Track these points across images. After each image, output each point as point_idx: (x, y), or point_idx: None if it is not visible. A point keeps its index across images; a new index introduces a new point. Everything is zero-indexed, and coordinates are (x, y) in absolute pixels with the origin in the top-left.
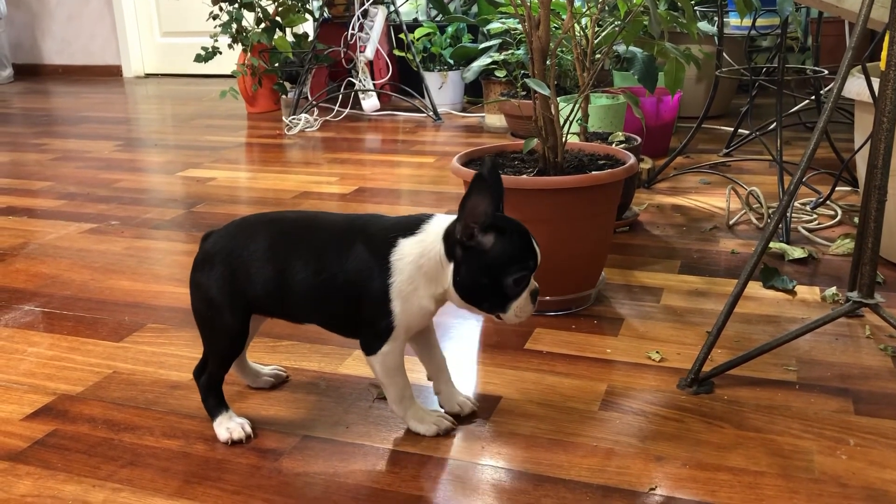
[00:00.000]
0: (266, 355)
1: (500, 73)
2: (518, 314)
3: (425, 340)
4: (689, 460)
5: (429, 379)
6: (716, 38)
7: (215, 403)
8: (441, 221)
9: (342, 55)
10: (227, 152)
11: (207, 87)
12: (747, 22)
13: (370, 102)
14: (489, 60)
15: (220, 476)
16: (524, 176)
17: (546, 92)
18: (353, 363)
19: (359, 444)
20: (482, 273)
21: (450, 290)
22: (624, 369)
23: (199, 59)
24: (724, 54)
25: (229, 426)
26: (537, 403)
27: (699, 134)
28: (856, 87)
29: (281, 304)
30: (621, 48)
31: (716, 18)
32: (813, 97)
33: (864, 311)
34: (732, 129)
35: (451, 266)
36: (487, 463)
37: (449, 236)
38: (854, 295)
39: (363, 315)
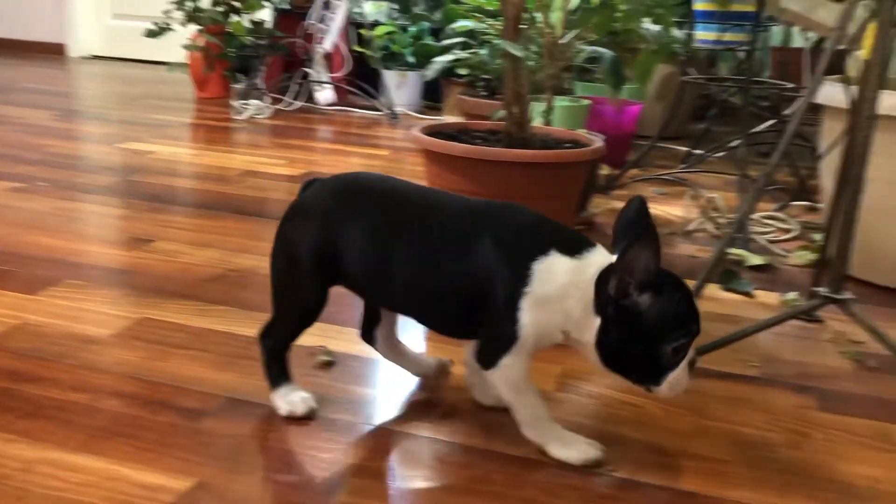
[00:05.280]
0: (194, 317)
1: (463, 71)
2: (673, 387)
3: None
4: (649, 445)
5: (467, 369)
6: (681, 48)
7: (278, 373)
8: (601, 258)
9: (299, 46)
10: (172, 130)
11: (157, 72)
12: (712, 35)
13: (325, 95)
14: (453, 57)
15: (132, 433)
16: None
17: (519, 53)
18: None
19: None
20: (636, 339)
21: (588, 347)
22: None
23: (150, 34)
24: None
25: (291, 399)
26: None
27: (656, 152)
28: (825, 92)
29: (380, 290)
30: (590, 48)
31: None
32: (775, 120)
33: (824, 318)
34: (688, 149)
35: (597, 322)
36: (434, 436)
37: (600, 288)
38: (823, 290)
39: (485, 318)
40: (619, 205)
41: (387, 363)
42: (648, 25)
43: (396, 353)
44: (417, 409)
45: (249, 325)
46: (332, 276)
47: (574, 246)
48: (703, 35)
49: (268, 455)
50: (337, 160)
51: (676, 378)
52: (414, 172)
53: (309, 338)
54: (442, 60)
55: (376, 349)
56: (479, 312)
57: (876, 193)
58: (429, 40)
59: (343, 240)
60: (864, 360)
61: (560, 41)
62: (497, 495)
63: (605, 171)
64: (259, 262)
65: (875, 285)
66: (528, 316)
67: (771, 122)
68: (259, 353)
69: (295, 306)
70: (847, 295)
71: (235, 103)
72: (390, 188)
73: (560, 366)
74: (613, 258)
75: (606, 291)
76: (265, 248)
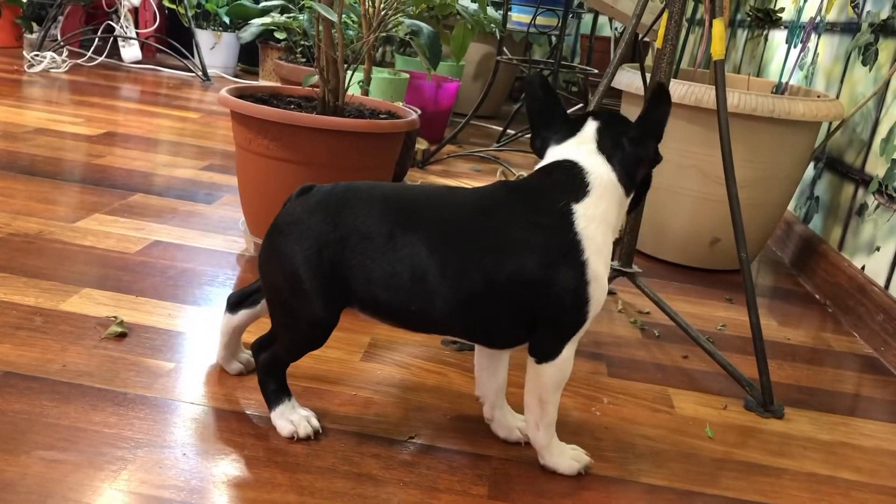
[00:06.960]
0: None
1: (280, 35)
2: None
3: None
4: (450, 411)
5: (478, 400)
6: (497, 30)
7: (275, 389)
8: (594, 164)
9: None
10: None
11: None
12: (527, 18)
13: (131, 52)
14: (270, 20)
15: None
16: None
17: (332, 16)
18: (80, 301)
19: (77, 383)
20: (650, 175)
21: (621, 219)
22: None
23: None
24: (505, 49)
25: (292, 419)
26: None
27: (472, 129)
28: (625, 78)
29: (412, 309)
30: (409, 21)
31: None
32: (583, 104)
33: (616, 290)
34: (502, 128)
35: (629, 199)
36: (232, 409)
37: (632, 173)
38: (615, 264)
39: (545, 313)
40: (436, 179)
41: (186, 336)
42: (465, 3)
43: (232, 338)
44: (214, 381)
45: (31, 294)
46: (343, 297)
47: (573, 182)
48: (518, 17)
49: (46, 433)
50: (141, 121)
51: None
52: (226, 137)
53: (99, 308)
54: (259, 23)
55: (226, 318)
56: (537, 307)
57: (665, 175)
58: (246, 1)
59: (351, 257)
60: (650, 328)
61: (379, 11)
62: (296, 466)
63: (422, 145)
64: (47, 226)
65: (661, 260)
66: (595, 286)
67: (579, 105)
68: (256, 367)
69: (301, 330)
70: (635, 269)
71: (28, 54)
72: (391, 194)
73: (368, 336)
74: (585, 145)
75: (653, 162)
76: (55, 211)
